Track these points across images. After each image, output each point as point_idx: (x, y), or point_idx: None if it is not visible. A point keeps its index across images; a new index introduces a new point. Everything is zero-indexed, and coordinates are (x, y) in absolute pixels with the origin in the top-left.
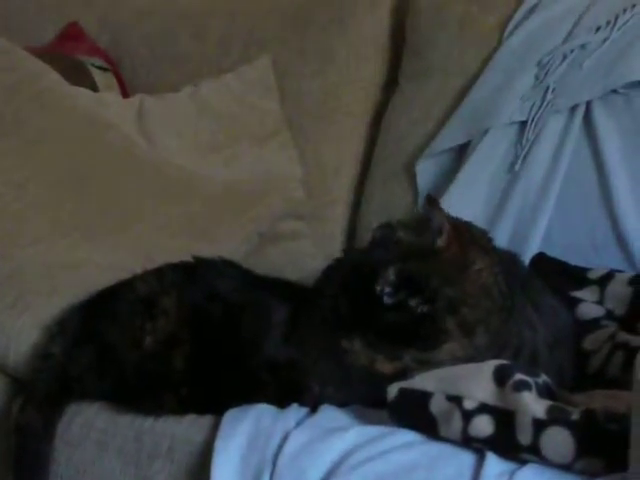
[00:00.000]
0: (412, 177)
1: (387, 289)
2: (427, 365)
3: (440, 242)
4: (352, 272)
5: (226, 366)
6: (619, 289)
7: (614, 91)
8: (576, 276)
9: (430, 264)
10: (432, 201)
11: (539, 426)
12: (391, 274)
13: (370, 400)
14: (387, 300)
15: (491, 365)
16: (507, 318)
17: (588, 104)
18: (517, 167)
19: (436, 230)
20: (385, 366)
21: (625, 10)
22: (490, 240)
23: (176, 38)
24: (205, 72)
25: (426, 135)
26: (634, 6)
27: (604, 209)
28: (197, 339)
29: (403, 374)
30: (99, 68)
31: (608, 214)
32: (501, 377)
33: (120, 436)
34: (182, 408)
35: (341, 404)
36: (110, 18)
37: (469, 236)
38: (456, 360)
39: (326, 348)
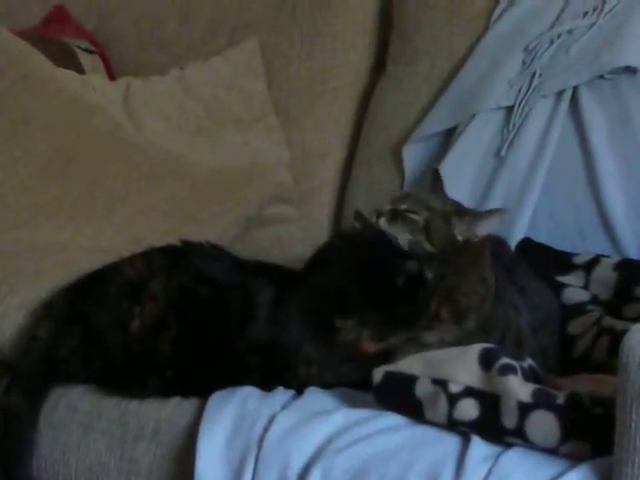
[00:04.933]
0: (399, 161)
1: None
2: (414, 345)
3: (466, 235)
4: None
5: (212, 349)
6: (605, 274)
7: (601, 76)
8: (562, 261)
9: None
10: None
11: (524, 410)
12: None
13: (356, 381)
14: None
15: (476, 349)
16: (496, 303)
17: (575, 89)
18: (504, 152)
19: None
20: (369, 345)
21: None
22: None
23: (163, 21)
24: (192, 55)
25: (413, 119)
26: None
27: (590, 194)
28: (183, 322)
29: (386, 355)
30: (85, 51)
31: (594, 199)
32: (487, 361)
33: (105, 418)
34: (167, 391)
35: (326, 385)
36: (96, 1)
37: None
38: (443, 343)
39: (312, 329)
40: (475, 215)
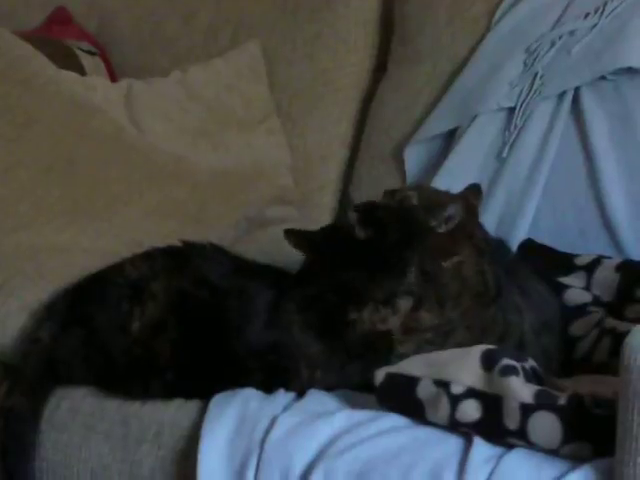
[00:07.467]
0: (400, 163)
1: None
2: (411, 329)
3: (436, 225)
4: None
5: (212, 352)
6: (606, 275)
7: (602, 77)
8: (563, 262)
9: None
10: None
11: (526, 411)
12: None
13: (359, 382)
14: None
15: (478, 350)
16: (488, 305)
17: (576, 90)
18: (505, 153)
19: (445, 216)
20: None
21: None
22: (487, 239)
23: (165, 23)
24: (194, 57)
25: (414, 121)
26: None
27: (592, 195)
28: (184, 324)
29: (388, 337)
30: (87, 52)
31: (596, 200)
32: (488, 362)
33: (107, 420)
34: (168, 393)
35: (329, 388)
36: (98, 2)
37: (467, 233)
38: (433, 330)
39: (316, 332)
40: (439, 206)
